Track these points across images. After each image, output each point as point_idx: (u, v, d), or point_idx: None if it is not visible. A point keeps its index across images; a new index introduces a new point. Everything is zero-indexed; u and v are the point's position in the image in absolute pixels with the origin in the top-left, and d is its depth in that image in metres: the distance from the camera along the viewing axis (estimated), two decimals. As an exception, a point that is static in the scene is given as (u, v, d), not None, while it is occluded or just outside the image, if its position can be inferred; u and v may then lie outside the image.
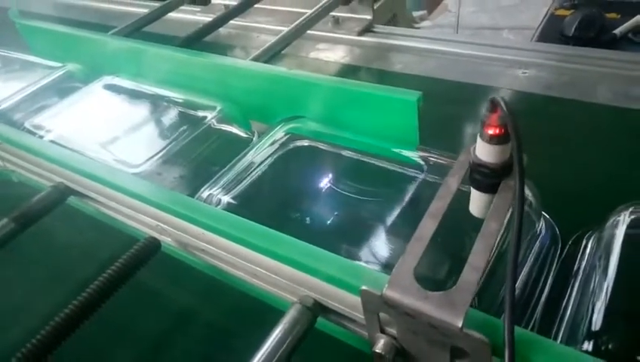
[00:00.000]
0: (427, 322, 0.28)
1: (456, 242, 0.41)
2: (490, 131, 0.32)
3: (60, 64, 0.79)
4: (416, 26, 2.57)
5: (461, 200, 0.36)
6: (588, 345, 0.33)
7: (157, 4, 0.96)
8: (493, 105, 0.32)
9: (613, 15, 1.29)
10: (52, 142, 0.61)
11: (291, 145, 0.57)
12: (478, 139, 0.33)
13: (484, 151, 0.33)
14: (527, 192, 0.43)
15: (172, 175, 0.58)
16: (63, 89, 0.75)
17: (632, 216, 0.39)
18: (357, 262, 0.34)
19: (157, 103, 0.67)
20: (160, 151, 0.58)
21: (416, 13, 2.63)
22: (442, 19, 2.69)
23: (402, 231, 0.47)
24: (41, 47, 0.84)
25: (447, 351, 0.29)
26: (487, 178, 0.34)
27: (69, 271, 0.52)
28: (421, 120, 0.50)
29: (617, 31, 1.21)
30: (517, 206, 0.30)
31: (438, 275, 0.40)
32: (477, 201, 0.36)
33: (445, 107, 0.66)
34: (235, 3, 0.93)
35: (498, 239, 0.33)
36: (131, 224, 0.47)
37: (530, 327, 0.38)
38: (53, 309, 0.38)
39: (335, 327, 0.36)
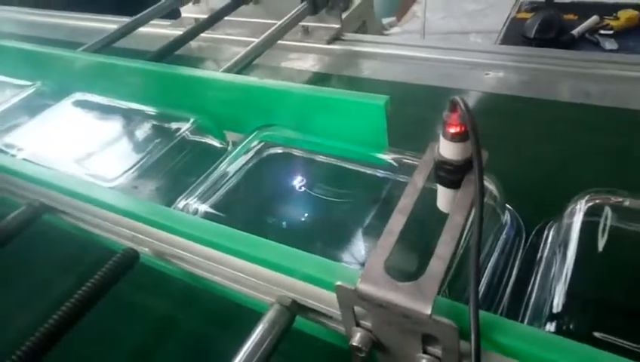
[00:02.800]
0: (399, 312, 0.29)
1: (426, 237, 0.42)
2: (452, 130, 0.34)
3: (29, 82, 0.79)
4: (386, 32, 2.62)
5: (431, 197, 0.38)
6: (550, 326, 0.35)
7: (126, 20, 0.96)
8: (454, 105, 0.34)
9: (571, 17, 1.35)
10: (25, 160, 0.61)
11: (265, 153, 0.58)
12: (441, 138, 0.35)
13: (446, 149, 0.35)
14: (492, 187, 0.46)
15: (148, 188, 0.59)
16: (33, 107, 0.74)
17: (589, 204, 0.42)
18: (331, 260, 0.35)
19: (130, 117, 0.68)
20: (135, 164, 0.58)
21: (385, 20, 2.68)
22: (411, 26, 2.75)
23: (377, 230, 0.49)
24: (9, 65, 0.84)
25: (419, 338, 0.30)
26: (450, 174, 0.36)
27: (47, 288, 0.52)
28: (390, 123, 0.52)
29: (575, 31, 1.27)
30: (477, 197, 0.32)
31: (411, 269, 0.42)
32: (443, 197, 0.38)
33: (413, 109, 0.68)
34: (205, 16, 0.95)
35: (465, 232, 0.34)
36: (109, 237, 0.47)
37: (498, 313, 0.40)
38: (32, 325, 0.38)
39: (314, 326, 0.37)
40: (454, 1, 2.74)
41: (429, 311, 0.28)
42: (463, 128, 0.34)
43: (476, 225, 0.30)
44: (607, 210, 0.41)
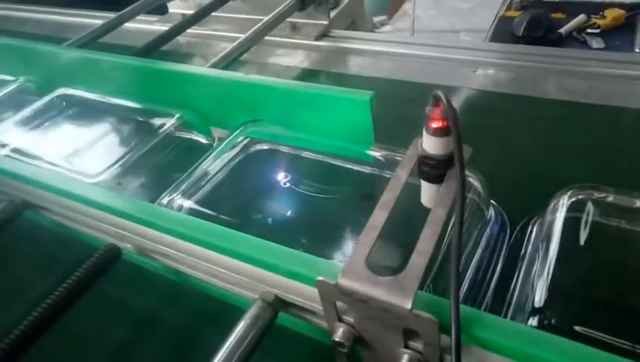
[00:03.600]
0: (379, 306, 0.29)
1: (412, 233, 0.42)
2: (434, 124, 0.34)
3: (12, 78, 0.78)
4: (377, 30, 2.62)
5: (416, 193, 0.38)
6: (533, 321, 0.35)
7: (112, 15, 0.95)
8: (436, 100, 0.34)
9: (558, 15, 1.36)
10: (8, 156, 0.60)
11: (251, 149, 0.58)
12: (424, 133, 0.35)
13: (429, 144, 0.35)
14: (476, 183, 0.46)
15: (133, 184, 0.58)
16: (17, 103, 0.73)
17: (571, 200, 0.42)
18: (313, 256, 0.35)
19: (114, 113, 0.67)
20: (119, 160, 0.58)
21: (376, 19, 2.68)
22: (402, 24, 2.75)
23: (363, 226, 0.49)
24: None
25: (400, 333, 0.30)
26: (433, 169, 0.36)
27: (28, 284, 0.51)
28: (377, 119, 0.51)
29: (563, 30, 1.28)
30: (459, 189, 0.32)
31: (397, 265, 0.42)
32: (427, 192, 0.38)
33: (400, 106, 0.68)
34: (192, 12, 0.94)
35: (449, 228, 0.34)
36: (91, 233, 0.47)
37: (482, 309, 0.40)
38: (13, 322, 0.37)
39: (297, 321, 0.37)
40: (445, -1, 2.74)
41: (409, 306, 0.28)
42: (445, 123, 0.34)
43: (457, 219, 0.30)
44: (590, 206, 0.41)
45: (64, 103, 0.70)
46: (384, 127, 0.52)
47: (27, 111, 0.70)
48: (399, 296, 0.28)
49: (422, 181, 0.37)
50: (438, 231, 0.32)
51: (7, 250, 0.54)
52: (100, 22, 0.93)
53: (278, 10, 0.83)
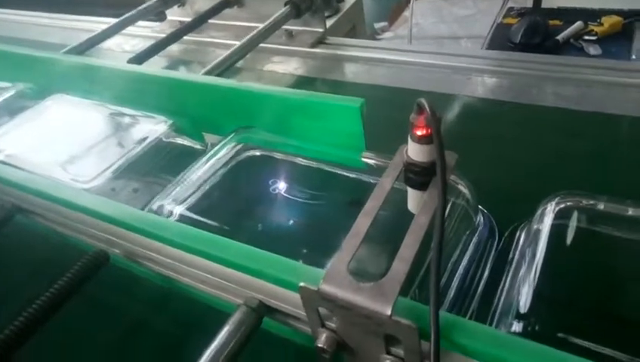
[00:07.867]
0: (360, 313, 0.29)
1: (400, 239, 0.42)
2: (419, 132, 0.34)
3: (9, 84, 0.79)
4: (378, 37, 2.63)
5: (403, 200, 0.38)
6: (517, 326, 0.35)
7: (114, 20, 0.96)
8: (420, 108, 0.34)
9: (556, 22, 1.37)
10: (1, 162, 0.61)
11: (243, 155, 0.58)
12: (409, 140, 0.35)
13: (414, 151, 0.35)
14: (464, 189, 0.46)
15: (126, 189, 0.58)
16: (13, 109, 0.74)
17: (559, 207, 0.42)
18: (296, 261, 0.35)
19: (108, 119, 0.67)
20: (112, 166, 0.58)
21: (377, 25, 2.70)
22: (403, 30, 2.75)
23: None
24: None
25: (382, 339, 0.30)
26: (418, 176, 0.36)
27: (18, 289, 0.51)
28: (371, 125, 0.51)
29: (560, 37, 1.29)
30: (439, 197, 0.32)
31: (382, 270, 0.42)
32: (413, 199, 0.38)
33: (393, 112, 0.68)
34: (189, 19, 0.95)
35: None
36: (81, 238, 0.47)
37: (468, 315, 0.40)
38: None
39: (282, 327, 0.37)
40: (446, 6, 2.75)
41: (388, 312, 0.28)
42: (428, 130, 0.34)
43: (437, 225, 0.31)
44: (576, 213, 0.41)
45: (59, 109, 0.71)
46: (377, 132, 0.53)
47: (22, 118, 0.70)
48: (379, 302, 0.28)
49: (408, 188, 0.37)
50: (420, 238, 0.32)
51: (-1, 254, 0.54)
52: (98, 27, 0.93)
53: (273, 17, 0.84)
